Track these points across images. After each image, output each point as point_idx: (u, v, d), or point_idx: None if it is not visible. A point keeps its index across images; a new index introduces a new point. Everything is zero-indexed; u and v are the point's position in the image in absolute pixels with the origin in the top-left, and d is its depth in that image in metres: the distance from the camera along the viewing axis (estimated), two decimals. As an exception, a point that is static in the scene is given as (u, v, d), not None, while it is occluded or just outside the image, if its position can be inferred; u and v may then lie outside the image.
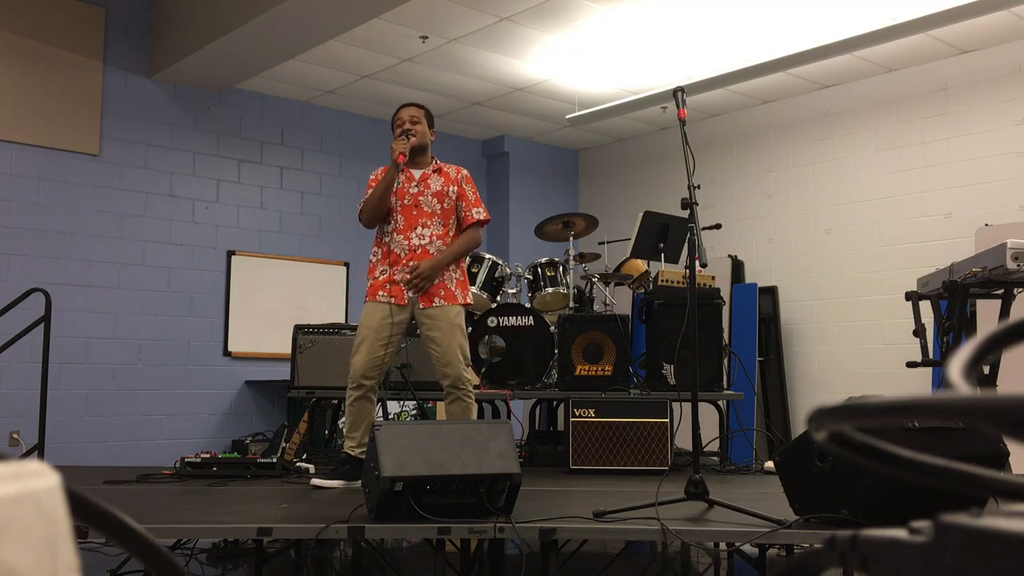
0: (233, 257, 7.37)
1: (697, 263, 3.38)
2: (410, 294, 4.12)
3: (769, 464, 4.43)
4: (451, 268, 4.21)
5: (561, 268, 5.94)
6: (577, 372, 5.30)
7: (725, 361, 5.42)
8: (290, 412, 6.89)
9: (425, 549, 4.36)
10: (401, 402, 6.61)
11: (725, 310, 6.03)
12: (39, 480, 0.47)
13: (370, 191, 4.21)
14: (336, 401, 5.88)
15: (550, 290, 5.89)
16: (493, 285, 5.85)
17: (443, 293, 4.15)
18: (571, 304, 5.85)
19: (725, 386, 5.42)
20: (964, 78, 6.78)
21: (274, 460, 4.59)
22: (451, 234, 4.24)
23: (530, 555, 4.19)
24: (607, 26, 6.28)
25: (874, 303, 7.11)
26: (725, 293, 7.43)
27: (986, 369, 3.97)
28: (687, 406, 3.81)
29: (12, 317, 5.21)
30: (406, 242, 4.15)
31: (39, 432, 4.84)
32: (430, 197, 4.20)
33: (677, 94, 3.52)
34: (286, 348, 6.12)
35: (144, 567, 0.67)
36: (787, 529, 2.89)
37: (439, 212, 4.20)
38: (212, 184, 7.32)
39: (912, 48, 6.69)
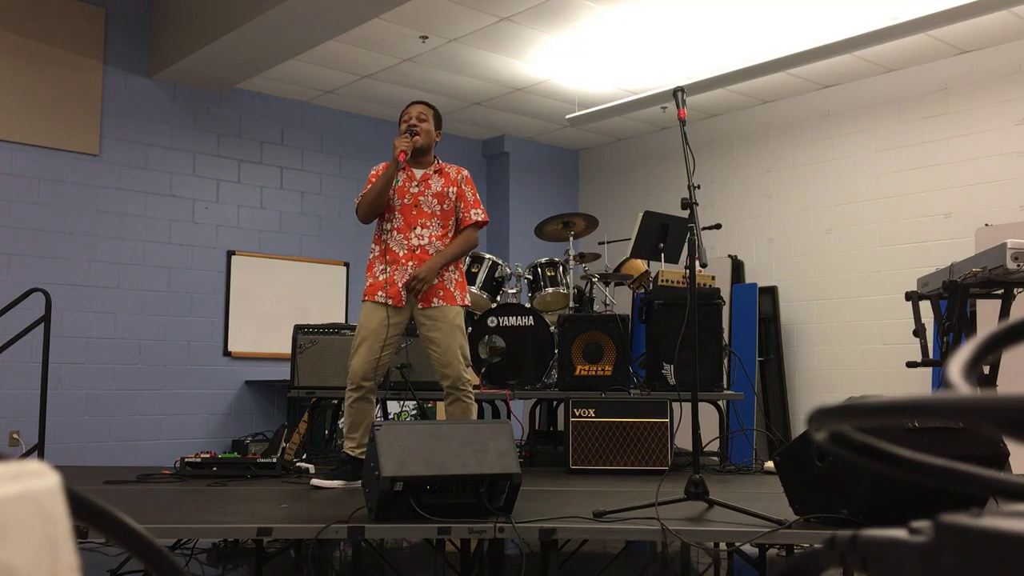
0: (233, 257, 7.37)
1: (697, 263, 3.38)
2: (410, 296, 4.12)
3: (769, 464, 4.43)
4: (450, 269, 4.20)
5: (561, 268, 5.94)
6: (577, 372, 5.30)
7: (725, 361, 5.42)
8: (290, 412, 6.89)
9: (425, 549, 4.36)
10: (401, 402, 6.61)
11: (725, 310, 6.03)
12: (39, 480, 0.47)
13: (369, 185, 4.21)
14: (336, 401, 5.88)
15: (550, 290, 5.89)
16: (493, 285, 5.85)
17: (442, 294, 4.15)
18: (571, 304, 5.85)
19: (725, 386, 5.42)
20: (964, 78, 6.78)
21: (274, 460, 4.59)
22: (450, 235, 4.23)
23: (530, 555, 4.19)
24: (607, 26, 6.28)
25: (874, 303, 7.11)
26: (725, 293, 7.43)
27: (986, 369, 3.97)
28: (687, 406, 3.81)
29: (12, 317, 5.21)
30: (405, 242, 4.14)
31: (39, 432, 4.84)
32: (430, 198, 4.19)
33: (677, 94, 3.52)
34: (286, 348, 6.12)
35: (144, 567, 0.67)
36: (787, 529, 2.89)
37: (439, 213, 4.19)
38: (212, 184, 7.32)
39: (912, 48, 6.69)
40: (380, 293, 4.12)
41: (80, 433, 6.52)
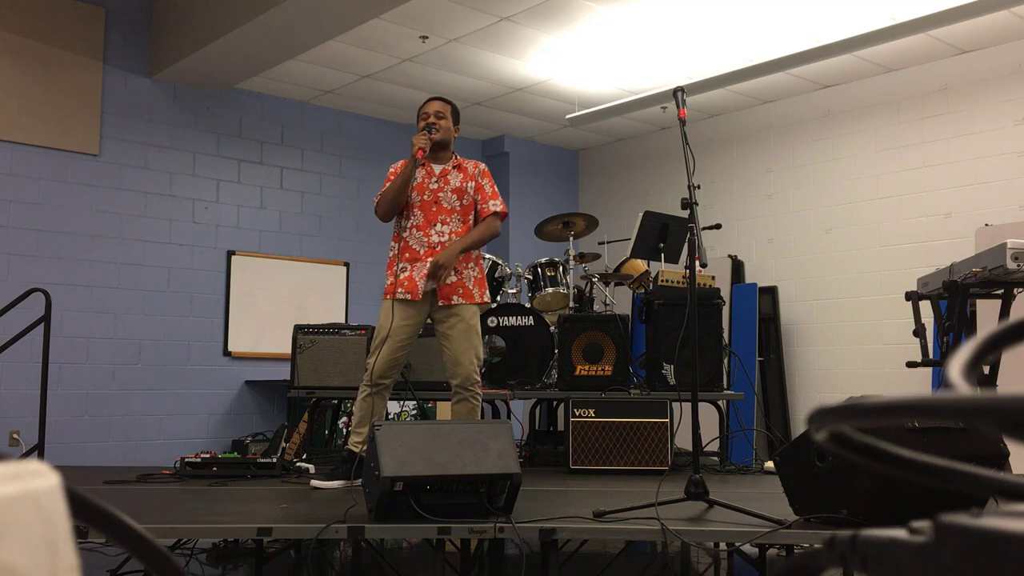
0: (233, 257, 7.37)
1: (697, 263, 3.38)
2: (431, 284, 4.10)
3: (769, 464, 4.43)
4: (470, 266, 4.20)
5: (561, 268, 5.94)
6: (577, 372, 5.30)
7: (725, 361, 5.42)
8: (290, 412, 6.89)
9: (425, 549, 4.36)
10: (401, 402, 6.61)
11: (725, 310, 6.03)
12: (39, 480, 0.47)
13: (388, 184, 4.20)
14: (336, 401, 5.88)
15: (550, 290, 5.88)
16: (493, 285, 5.85)
17: (461, 291, 4.14)
18: (571, 304, 5.85)
19: (725, 386, 5.42)
20: (964, 78, 6.78)
21: (274, 460, 4.59)
22: None
23: (530, 555, 4.19)
24: (607, 26, 6.28)
25: (874, 303, 7.11)
26: (725, 293, 7.43)
27: (986, 369, 3.97)
28: (687, 406, 3.81)
29: (12, 317, 5.21)
30: (425, 239, 4.13)
31: (39, 432, 4.84)
32: (449, 193, 4.18)
33: (677, 94, 3.52)
34: (286, 348, 6.12)
35: (144, 567, 0.67)
36: (787, 529, 2.89)
37: (458, 209, 4.18)
38: (212, 184, 7.32)
39: (912, 48, 6.69)
40: (400, 290, 4.12)
41: (80, 433, 6.52)
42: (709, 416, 5.09)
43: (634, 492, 3.82)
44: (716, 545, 4.61)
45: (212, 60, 6.59)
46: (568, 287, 5.88)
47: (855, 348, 7.22)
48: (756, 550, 3.84)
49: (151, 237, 6.96)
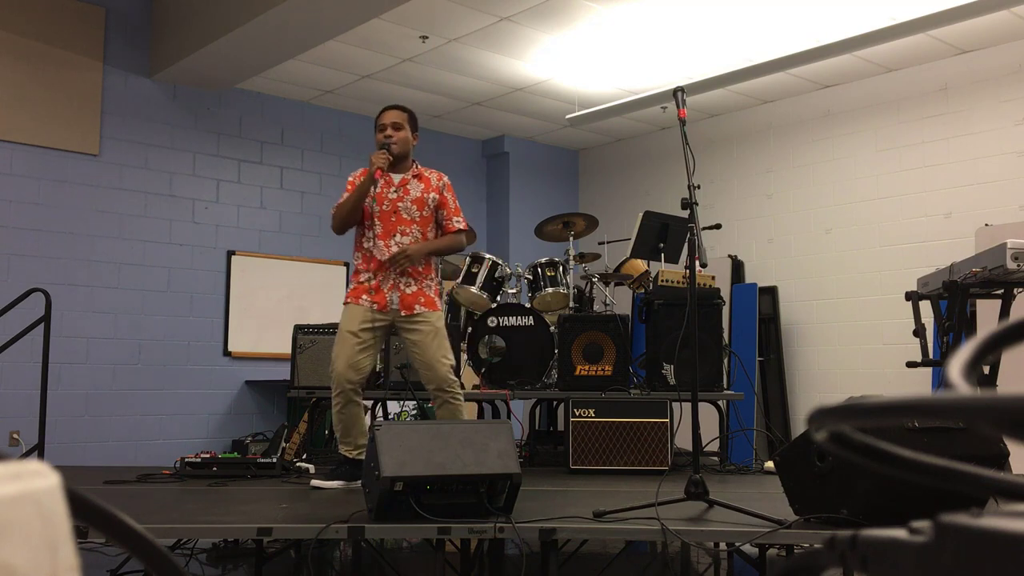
0: (233, 257, 7.37)
1: (697, 263, 3.38)
2: (394, 268, 4.09)
3: (769, 464, 4.43)
4: (429, 277, 4.20)
5: (561, 268, 5.94)
6: (577, 372, 5.30)
7: (725, 361, 5.42)
8: (290, 412, 6.89)
9: (425, 549, 4.36)
10: (401, 402, 6.61)
11: (725, 310, 6.03)
12: (39, 480, 0.47)
13: (345, 196, 4.19)
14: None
15: (550, 290, 5.88)
16: (493, 285, 5.85)
17: (423, 300, 4.15)
18: (571, 304, 5.84)
19: (725, 386, 5.42)
20: (964, 78, 6.78)
21: (274, 460, 4.59)
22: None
23: (530, 555, 4.19)
24: (607, 26, 6.28)
25: (874, 303, 7.11)
26: (725, 293, 7.43)
27: (986, 369, 3.97)
28: (687, 406, 3.81)
29: (12, 317, 5.21)
30: (386, 249, 4.12)
31: (39, 432, 4.84)
32: (409, 204, 4.17)
33: (677, 94, 3.52)
34: (286, 348, 6.12)
35: (144, 567, 0.67)
36: (787, 529, 2.89)
37: (418, 219, 4.18)
38: (212, 184, 7.32)
39: (912, 48, 6.69)
40: (364, 296, 4.12)
41: (80, 433, 6.52)
42: (709, 416, 5.09)
43: (634, 492, 3.82)
44: (716, 545, 4.60)
45: (212, 60, 6.59)
46: (568, 287, 5.88)
47: (855, 348, 7.22)
48: (756, 550, 3.84)
49: (151, 237, 6.96)
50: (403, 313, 4.12)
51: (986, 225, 6.35)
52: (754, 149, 8.07)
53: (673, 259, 5.77)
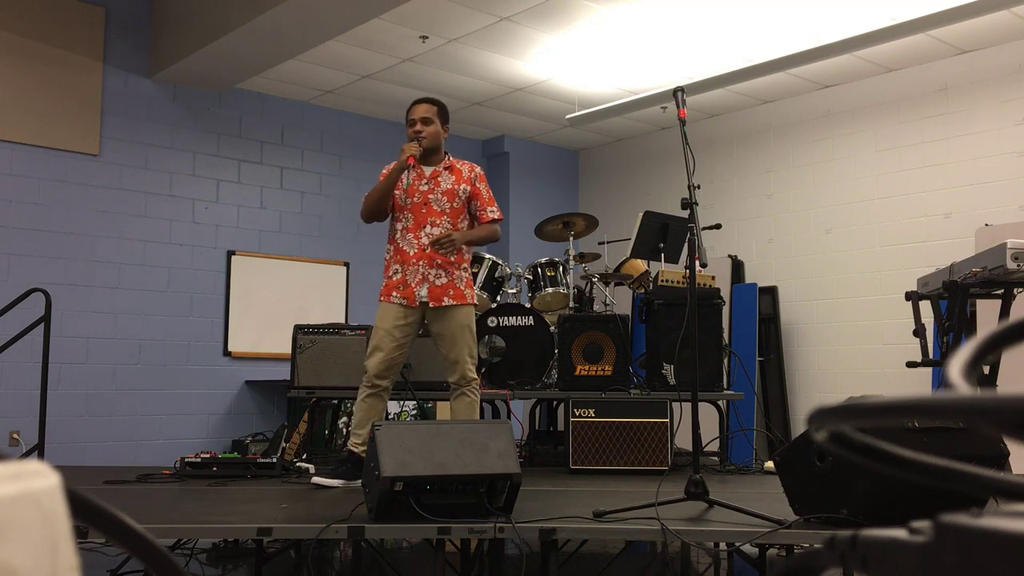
0: (233, 257, 7.37)
1: (697, 263, 3.38)
2: (438, 249, 4.10)
3: (769, 464, 4.43)
4: (461, 268, 4.22)
5: (561, 268, 5.94)
6: (577, 372, 5.30)
7: (725, 361, 5.42)
8: (290, 412, 6.89)
9: (425, 549, 4.36)
10: (401, 402, 6.61)
11: (725, 310, 6.03)
12: (39, 480, 0.47)
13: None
14: (336, 401, 5.88)
15: (550, 290, 5.88)
16: (493, 285, 5.85)
17: (452, 293, 4.16)
18: (571, 304, 5.84)
19: (725, 386, 5.42)
20: (964, 78, 6.78)
21: (274, 460, 4.58)
22: None
23: (530, 555, 4.19)
24: (607, 26, 6.28)
25: (874, 303, 7.11)
26: (725, 293, 7.43)
27: (986, 369, 3.97)
28: (687, 406, 3.81)
29: (12, 317, 5.21)
30: (416, 241, 4.15)
31: (39, 432, 4.83)
32: (440, 195, 4.19)
33: (677, 94, 3.52)
34: (286, 348, 6.11)
35: (144, 567, 0.67)
36: (787, 529, 2.89)
37: (448, 211, 4.19)
38: (212, 184, 7.32)
39: (912, 48, 6.69)
40: (395, 293, 4.14)
41: (80, 433, 6.52)
42: (709, 416, 5.09)
43: (634, 492, 3.82)
44: (716, 545, 4.61)
45: (212, 60, 6.59)
46: (568, 287, 5.88)
47: (855, 348, 7.22)
48: (756, 550, 3.84)
49: (151, 237, 6.96)
50: (431, 305, 4.14)
51: (986, 225, 6.35)
52: (754, 149, 8.07)
53: (673, 259, 5.77)
